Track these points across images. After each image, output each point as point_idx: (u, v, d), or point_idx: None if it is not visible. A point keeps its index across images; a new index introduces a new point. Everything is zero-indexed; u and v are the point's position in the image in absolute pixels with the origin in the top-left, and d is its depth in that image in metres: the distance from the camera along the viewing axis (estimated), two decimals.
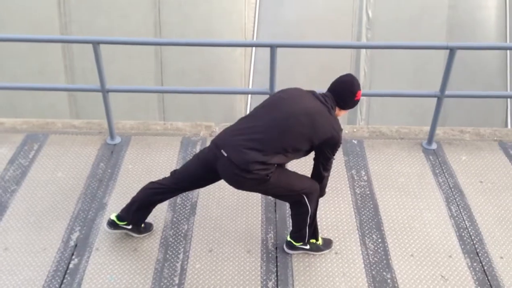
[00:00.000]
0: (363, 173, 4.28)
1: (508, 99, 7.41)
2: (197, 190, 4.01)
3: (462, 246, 3.59)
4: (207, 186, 3.54)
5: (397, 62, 7.12)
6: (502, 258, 3.50)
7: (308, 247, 3.48)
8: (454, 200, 3.99)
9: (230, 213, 3.84)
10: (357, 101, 3.17)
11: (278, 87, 4.47)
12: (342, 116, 3.30)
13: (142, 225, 3.56)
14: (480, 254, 3.52)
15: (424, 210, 3.91)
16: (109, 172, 4.19)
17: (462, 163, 4.37)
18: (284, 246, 3.52)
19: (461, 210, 3.88)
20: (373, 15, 7.20)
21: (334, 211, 3.89)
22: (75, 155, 4.38)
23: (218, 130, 4.76)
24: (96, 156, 4.38)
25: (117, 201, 3.90)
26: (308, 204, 3.24)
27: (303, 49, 4.85)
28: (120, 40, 4.31)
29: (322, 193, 3.35)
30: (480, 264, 3.45)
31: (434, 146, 4.55)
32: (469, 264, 3.46)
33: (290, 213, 3.43)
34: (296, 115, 2.99)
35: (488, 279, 3.35)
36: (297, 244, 3.46)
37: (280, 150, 2.99)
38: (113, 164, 4.28)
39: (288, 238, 3.49)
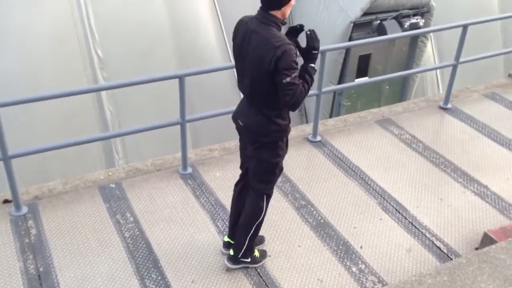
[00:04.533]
0: (129, 215, 4.17)
1: None
2: None
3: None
4: None
5: (139, 96, 7.20)
6: (270, 256, 3.82)
7: (249, 259, 3.63)
8: (219, 216, 4.20)
9: None
10: None
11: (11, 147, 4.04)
12: None
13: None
14: None
15: (194, 234, 4.01)
16: None
17: (218, 179, 4.64)
18: (226, 261, 3.64)
19: (226, 223, 4.10)
20: (103, 55, 7.14)
21: (106, 264, 3.67)
22: None
23: None
24: None
25: None
26: (265, 207, 3.44)
27: (37, 103, 4.48)
28: None
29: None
30: (254, 268, 3.69)
31: (189, 170, 4.72)
32: (245, 272, 3.67)
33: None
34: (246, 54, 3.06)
35: (263, 279, 3.61)
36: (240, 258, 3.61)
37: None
38: None
39: (231, 252, 3.60)
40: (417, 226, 4.15)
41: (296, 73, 2.95)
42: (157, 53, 7.55)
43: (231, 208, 3.66)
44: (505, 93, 6.33)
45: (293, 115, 8.81)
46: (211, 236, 3.99)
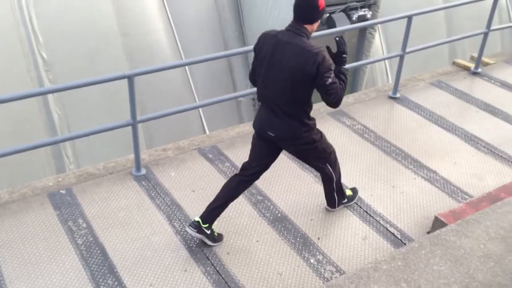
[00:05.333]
0: (81, 221, 4.05)
1: (200, 108, 8.13)
2: None
3: (193, 256, 3.75)
4: None
5: (88, 97, 7.00)
6: (229, 253, 3.80)
7: (345, 200, 4.23)
8: (175, 216, 4.14)
9: None
10: (323, 10, 3.36)
11: None
12: None
13: (216, 234, 3.83)
14: (210, 258, 3.75)
15: (151, 236, 3.94)
16: None
17: (173, 179, 4.57)
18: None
19: (183, 223, 4.05)
20: (48, 56, 6.89)
21: (59, 273, 3.56)
22: None
23: None
24: None
25: None
26: (333, 171, 3.87)
27: None
28: None
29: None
30: (212, 266, 3.67)
31: (143, 171, 4.63)
32: (204, 270, 3.64)
33: None
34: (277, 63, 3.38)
35: (222, 277, 3.59)
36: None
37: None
38: None
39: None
40: (371, 214, 4.24)
41: (333, 74, 3.35)
42: (105, 52, 7.36)
43: (221, 192, 3.76)
44: (450, 80, 6.55)
45: (249, 110, 8.81)
46: (168, 237, 3.93)
